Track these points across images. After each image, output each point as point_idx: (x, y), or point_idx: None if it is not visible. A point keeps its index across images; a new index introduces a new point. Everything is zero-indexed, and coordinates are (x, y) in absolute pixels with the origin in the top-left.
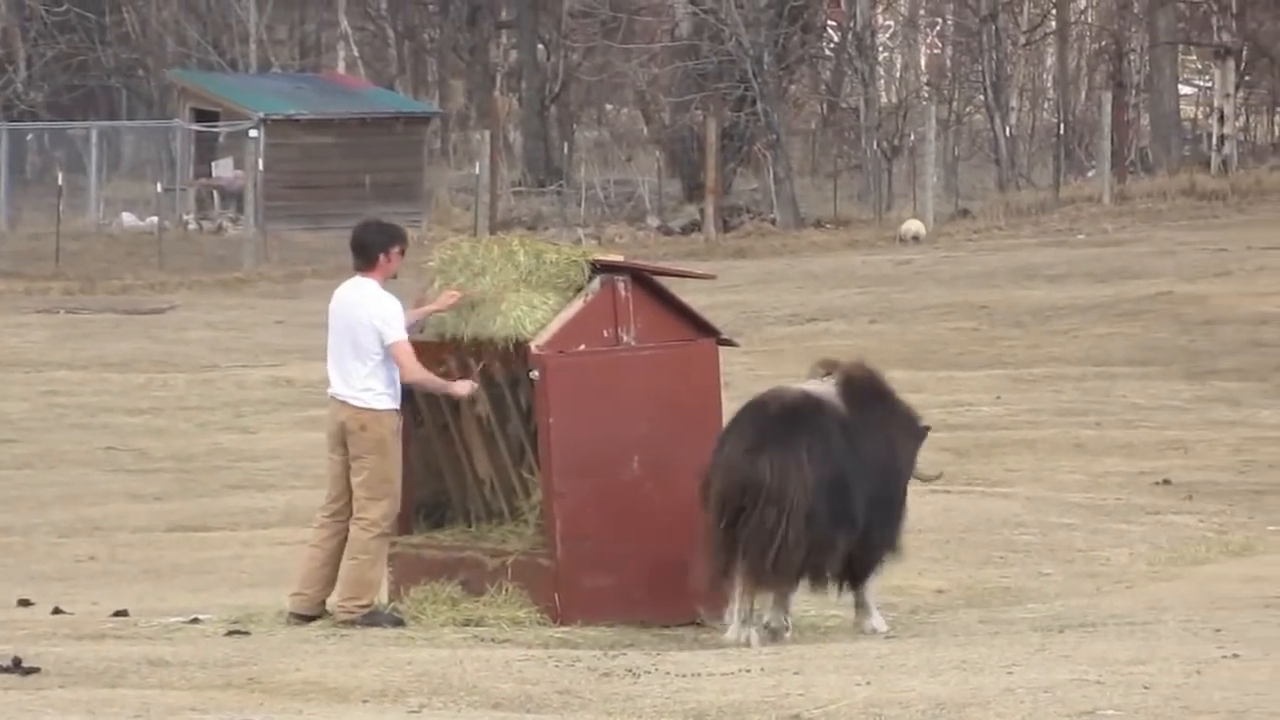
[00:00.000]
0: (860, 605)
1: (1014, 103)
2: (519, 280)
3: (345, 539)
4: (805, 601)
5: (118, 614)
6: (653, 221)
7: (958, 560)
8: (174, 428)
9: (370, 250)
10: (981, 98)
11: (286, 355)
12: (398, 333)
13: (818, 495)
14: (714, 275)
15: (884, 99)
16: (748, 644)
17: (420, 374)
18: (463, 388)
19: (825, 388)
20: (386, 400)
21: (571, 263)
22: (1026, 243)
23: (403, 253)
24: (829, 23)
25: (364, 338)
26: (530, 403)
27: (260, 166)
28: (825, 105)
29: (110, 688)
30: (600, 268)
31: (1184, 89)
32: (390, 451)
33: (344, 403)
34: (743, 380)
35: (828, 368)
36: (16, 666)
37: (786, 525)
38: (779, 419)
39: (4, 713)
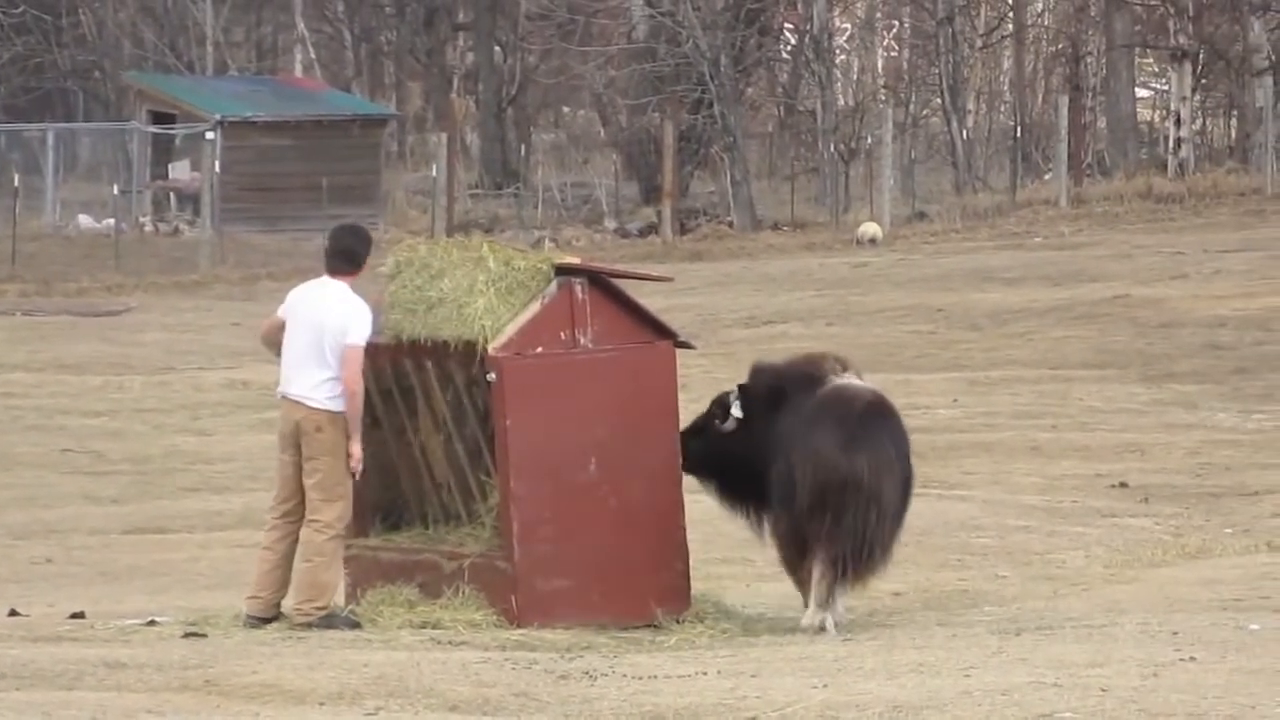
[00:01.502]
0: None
1: (971, 106)
2: (487, 283)
3: (296, 540)
4: (762, 603)
5: (74, 616)
6: (610, 224)
7: (915, 563)
8: (130, 430)
9: (358, 256)
10: (938, 101)
11: (243, 358)
12: (361, 339)
13: (903, 494)
14: (671, 278)
15: (841, 102)
16: (822, 629)
17: (360, 388)
18: (356, 453)
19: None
20: (341, 403)
21: (539, 269)
22: (983, 245)
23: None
24: (786, 26)
25: (331, 339)
26: (487, 405)
27: (217, 169)
28: (782, 108)
29: (67, 690)
30: (558, 270)
31: (1141, 92)
32: (343, 453)
33: (299, 403)
34: (700, 383)
35: (842, 364)
36: None
37: (881, 523)
38: (865, 417)
39: None
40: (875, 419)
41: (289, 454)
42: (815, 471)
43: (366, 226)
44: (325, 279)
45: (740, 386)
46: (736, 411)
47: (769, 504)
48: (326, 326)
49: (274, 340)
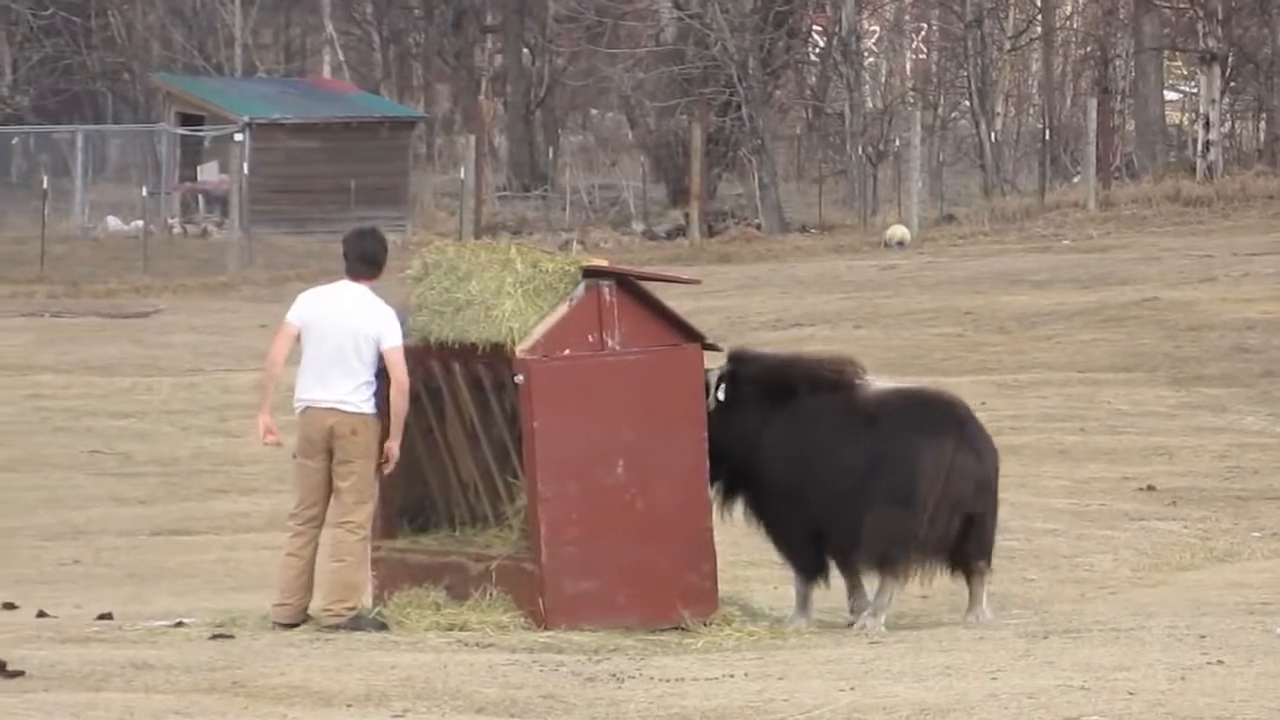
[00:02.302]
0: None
1: (999, 108)
2: (515, 286)
3: (317, 544)
4: (789, 606)
5: (102, 617)
6: (638, 226)
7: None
8: (158, 431)
9: (379, 260)
10: (967, 103)
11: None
12: (398, 338)
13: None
14: (699, 280)
15: (869, 104)
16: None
17: (408, 379)
18: (395, 453)
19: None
20: (374, 405)
21: (566, 271)
22: (1011, 248)
23: None
24: (814, 28)
25: (364, 344)
26: (515, 407)
27: (245, 170)
28: (810, 110)
29: (95, 691)
30: (586, 273)
31: (1169, 95)
32: (374, 455)
33: (332, 409)
34: None
35: (861, 368)
36: (1, 670)
37: (994, 525)
38: (970, 421)
39: None
40: (974, 423)
41: (316, 460)
42: (950, 475)
43: (382, 229)
44: (344, 283)
45: (728, 372)
46: (720, 395)
47: (765, 492)
48: (358, 331)
49: (284, 357)
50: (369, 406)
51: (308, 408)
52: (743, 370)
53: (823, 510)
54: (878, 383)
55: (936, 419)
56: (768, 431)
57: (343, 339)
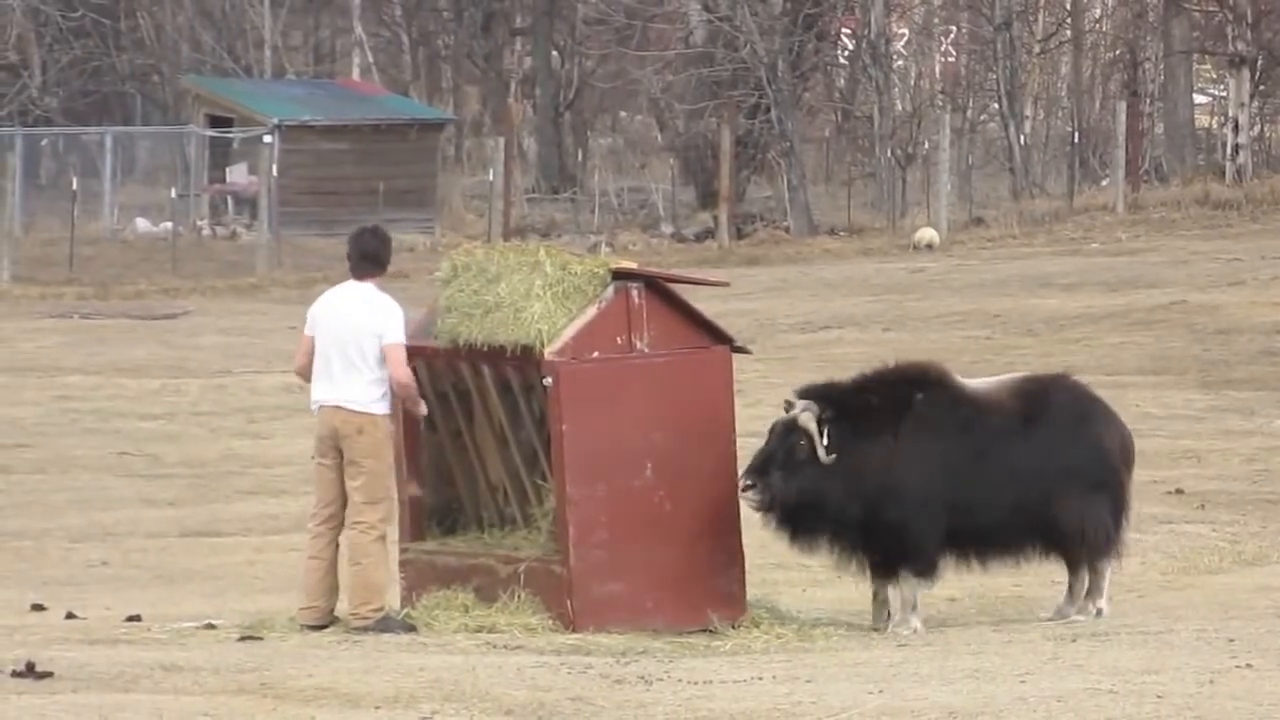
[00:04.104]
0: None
1: (1028, 111)
2: (544, 288)
3: (338, 544)
4: (817, 609)
5: (131, 619)
6: (666, 229)
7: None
8: (187, 433)
9: (382, 258)
10: (996, 106)
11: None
12: (399, 335)
13: None
14: (727, 282)
15: (898, 107)
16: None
17: (408, 378)
18: (422, 409)
19: None
20: (382, 404)
21: (595, 274)
22: (1040, 251)
23: None
24: (843, 31)
25: (368, 341)
26: (543, 409)
27: (274, 172)
28: (839, 113)
29: (123, 692)
30: (615, 275)
31: (1198, 98)
32: (385, 455)
33: (337, 408)
34: (756, 388)
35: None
36: (30, 671)
37: None
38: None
39: (18, 717)
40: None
41: (329, 459)
42: (1126, 451)
43: (377, 226)
44: (349, 283)
45: (823, 418)
46: (824, 444)
47: (902, 510)
48: (359, 328)
49: (308, 369)
50: (377, 406)
51: (320, 407)
52: (835, 405)
53: (986, 512)
54: (971, 381)
55: (1090, 399)
56: (901, 450)
57: (345, 337)
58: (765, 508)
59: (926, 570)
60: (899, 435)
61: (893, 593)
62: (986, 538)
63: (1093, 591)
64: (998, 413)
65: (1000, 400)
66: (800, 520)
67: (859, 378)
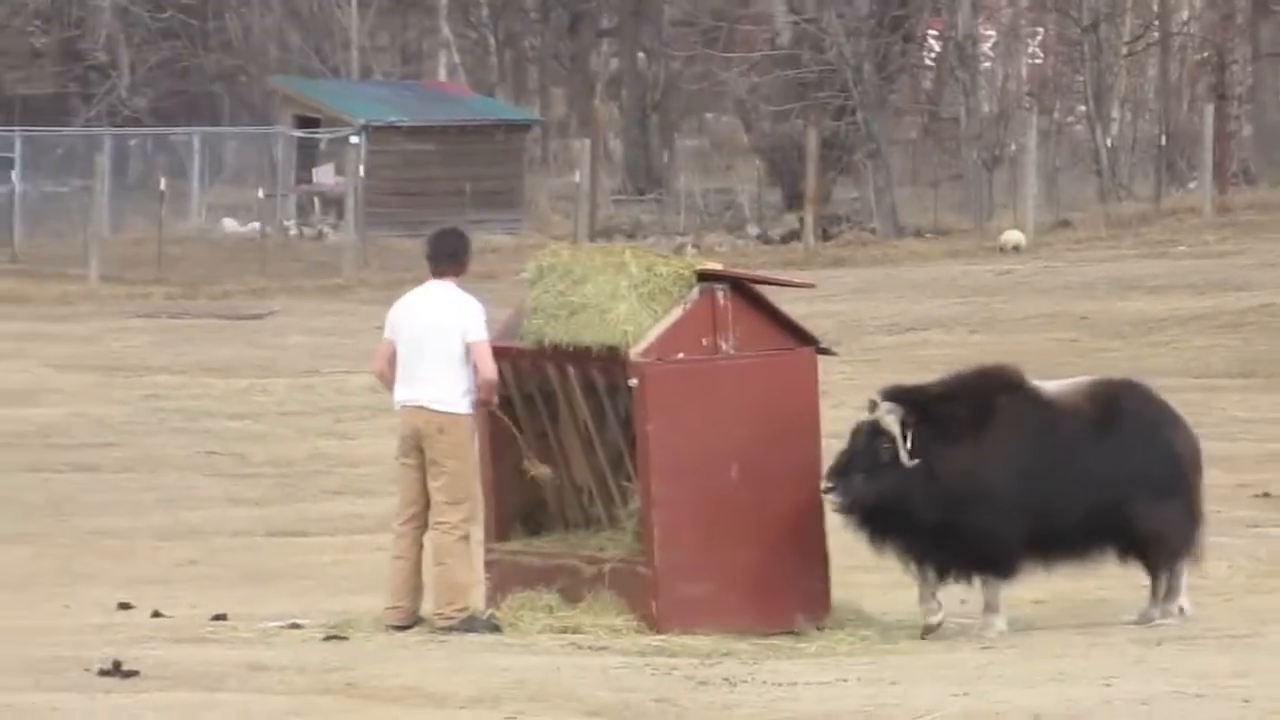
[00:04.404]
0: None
1: (1115, 113)
2: (630, 289)
3: (422, 544)
4: (902, 611)
5: (217, 618)
6: (752, 230)
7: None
8: (273, 433)
9: (460, 256)
10: (1083, 108)
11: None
12: (482, 332)
13: None
14: (813, 284)
15: (985, 109)
16: None
17: (493, 373)
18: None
19: None
20: (464, 404)
21: (681, 275)
22: (1127, 254)
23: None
24: (930, 32)
25: (449, 340)
26: (629, 410)
27: (361, 173)
28: (926, 115)
29: (209, 691)
30: (700, 276)
31: None
32: (468, 455)
33: (420, 408)
34: (841, 390)
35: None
36: (116, 669)
37: None
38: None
39: (105, 716)
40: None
41: (411, 459)
42: (1195, 465)
43: (456, 227)
44: (429, 284)
45: (905, 417)
46: (907, 447)
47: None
48: (441, 327)
49: (388, 374)
50: (460, 406)
51: (402, 406)
52: (919, 408)
53: (1065, 515)
54: (1045, 384)
55: (1160, 405)
56: (985, 453)
57: (425, 336)
58: (846, 510)
59: (1007, 573)
60: (981, 439)
61: (967, 592)
62: (1062, 541)
63: (1171, 592)
64: (1075, 416)
65: (1076, 404)
66: (879, 522)
67: (941, 380)
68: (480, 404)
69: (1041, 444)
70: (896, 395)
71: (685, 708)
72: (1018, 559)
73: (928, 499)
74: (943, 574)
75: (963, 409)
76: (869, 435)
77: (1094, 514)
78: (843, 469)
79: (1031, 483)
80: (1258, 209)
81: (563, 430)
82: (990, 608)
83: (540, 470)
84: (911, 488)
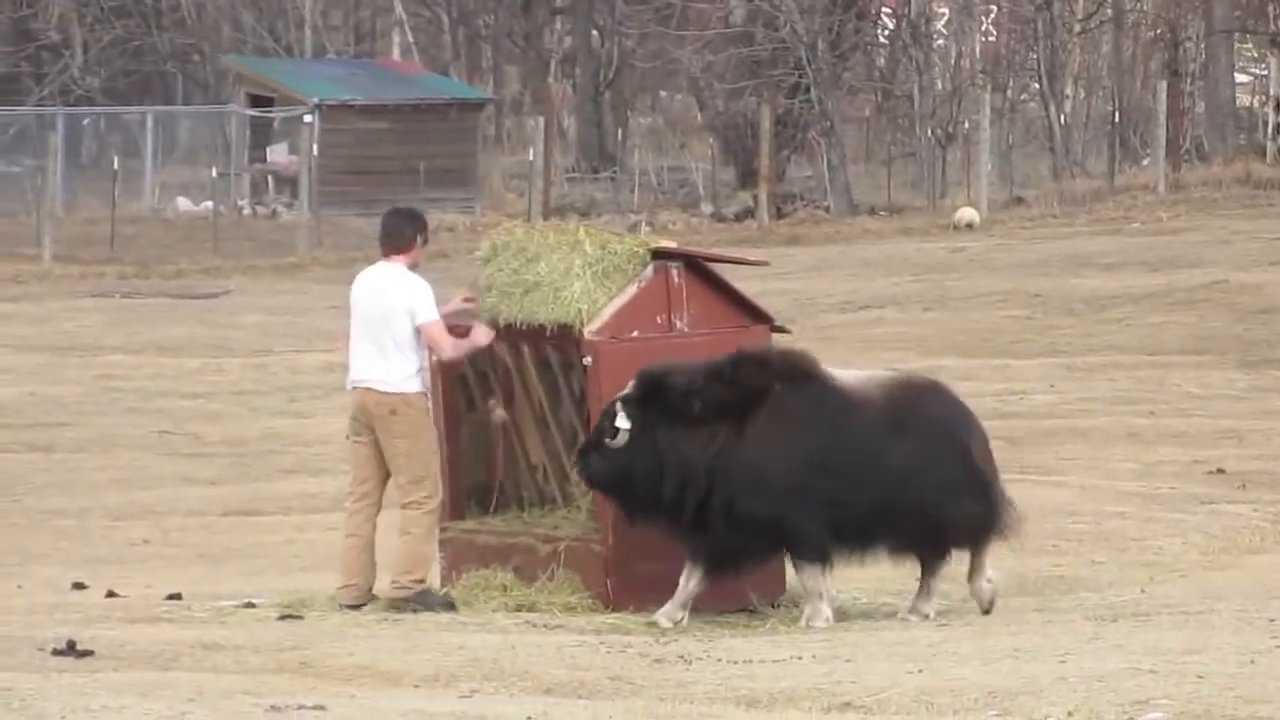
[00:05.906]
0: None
1: (1069, 90)
2: (584, 267)
3: (375, 522)
4: (857, 589)
5: (171, 597)
6: (706, 208)
7: (1010, 548)
8: (228, 412)
9: (402, 236)
10: (1036, 85)
11: (340, 340)
12: (431, 313)
13: None
14: (767, 262)
15: (938, 86)
16: None
17: (454, 350)
18: (483, 335)
19: None
20: (415, 383)
21: (635, 253)
22: (1081, 231)
23: (426, 241)
24: (883, 10)
25: (396, 321)
26: (583, 388)
27: (315, 152)
28: (879, 93)
29: (163, 670)
30: (654, 254)
31: (1240, 77)
32: (424, 433)
33: (369, 389)
34: None
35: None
36: (71, 649)
37: None
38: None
39: (59, 695)
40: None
41: (363, 437)
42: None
43: (411, 207)
44: (383, 264)
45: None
46: (623, 422)
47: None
48: (387, 307)
49: None
50: (408, 385)
51: (353, 386)
52: (657, 389)
53: (852, 505)
54: (840, 372)
55: (953, 403)
56: (750, 438)
57: (373, 316)
58: (588, 484)
59: (810, 556)
60: (743, 425)
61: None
62: (855, 530)
63: (976, 569)
64: (865, 408)
65: (868, 397)
66: (622, 497)
67: (711, 364)
68: (477, 341)
69: (819, 431)
70: (641, 377)
71: (640, 685)
72: (813, 542)
73: (649, 477)
74: (725, 560)
75: (719, 393)
76: (605, 415)
77: (886, 504)
78: (583, 447)
79: (809, 469)
80: (1210, 186)
81: (517, 409)
82: (811, 595)
83: (499, 414)
84: (634, 466)
